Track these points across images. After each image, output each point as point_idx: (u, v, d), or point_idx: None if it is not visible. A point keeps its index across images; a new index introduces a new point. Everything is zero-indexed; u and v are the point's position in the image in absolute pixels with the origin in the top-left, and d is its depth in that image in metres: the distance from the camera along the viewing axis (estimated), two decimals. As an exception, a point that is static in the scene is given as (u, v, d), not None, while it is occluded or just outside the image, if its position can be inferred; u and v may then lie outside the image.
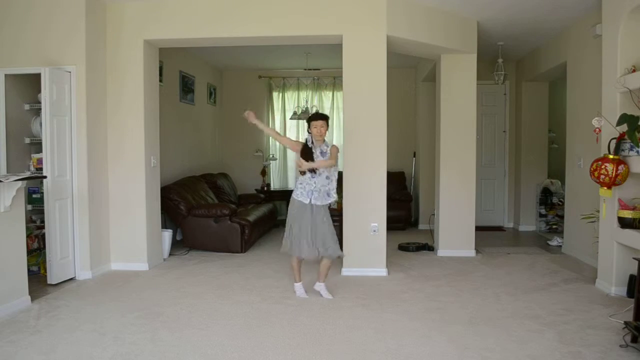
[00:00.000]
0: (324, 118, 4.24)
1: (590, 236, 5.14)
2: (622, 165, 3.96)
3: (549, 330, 3.45)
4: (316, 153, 4.19)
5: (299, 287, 4.37)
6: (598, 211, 4.63)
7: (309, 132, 4.26)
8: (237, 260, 5.70)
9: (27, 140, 5.00)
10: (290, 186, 8.95)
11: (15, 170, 4.80)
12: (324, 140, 4.25)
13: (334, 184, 4.24)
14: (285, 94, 8.97)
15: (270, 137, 8.93)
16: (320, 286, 4.33)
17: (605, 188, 4.07)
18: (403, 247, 6.27)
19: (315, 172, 4.15)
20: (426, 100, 7.97)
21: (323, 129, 4.20)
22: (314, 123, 4.20)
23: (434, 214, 6.33)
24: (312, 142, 4.22)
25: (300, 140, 4.23)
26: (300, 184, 4.22)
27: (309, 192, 4.17)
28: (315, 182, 4.15)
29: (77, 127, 4.83)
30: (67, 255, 4.77)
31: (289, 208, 4.31)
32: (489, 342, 3.25)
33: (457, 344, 3.24)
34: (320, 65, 8.41)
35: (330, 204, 4.28)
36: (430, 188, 7.28)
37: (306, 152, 4.20)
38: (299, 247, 4.17)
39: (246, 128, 9.02)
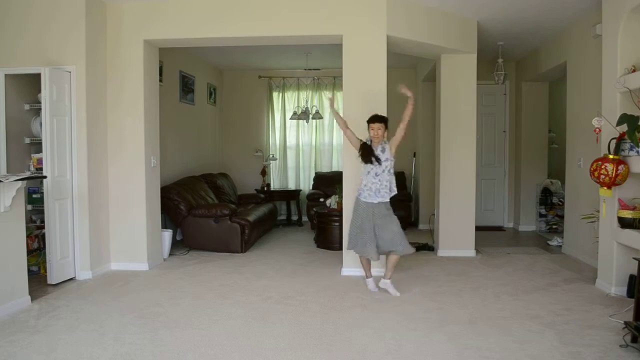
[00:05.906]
0: (381, 120, 4.38)
1: (590, 236, 5.14)
2: (622, 165, 3.96)
3: (549, 330, 3.45)
4: (377, 151, 4.32)
5: (370, 282, 4.50)
6: (598, 211, 4.63)
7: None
8: (237, 260, 5.70)
9: (27, 140, 5.01)
10: (291, 186, 8.95)
11: (15, 170, 4.80)
12: (384, 140, 4.38)
13: (394, 178, 4.37)
14: (285, 94, 8.97)
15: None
16: (385, 283, 4.40)
17: (605, 188, 4.06)
18: (403, 247, 6.27)
19: (379, 162, 4.27)
20: (426, 100, 7.97)
21: (380, 131, 4.34)
22: (371, 125, 4.36)
23: (434, 214, 6.33)
24: (371, 142, 4.37)
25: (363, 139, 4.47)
26: (365, 185, 4.32)
27: (375, 192, 4.27)
28: (380, 180, 4.27)
29: (77, 127, 4.83)
30: (67, 255, 4.77)
31: (355, 210, 4.40)
32: (489, 342, 3.25)
33: (457, 343, 3.24)
34: (320, 65, 8.41)
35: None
36: (430, 188, 7.27)
37: (365, 150, 4.32)
38: (366, 250, 4.29)
39: (246, 128, 9.06)
